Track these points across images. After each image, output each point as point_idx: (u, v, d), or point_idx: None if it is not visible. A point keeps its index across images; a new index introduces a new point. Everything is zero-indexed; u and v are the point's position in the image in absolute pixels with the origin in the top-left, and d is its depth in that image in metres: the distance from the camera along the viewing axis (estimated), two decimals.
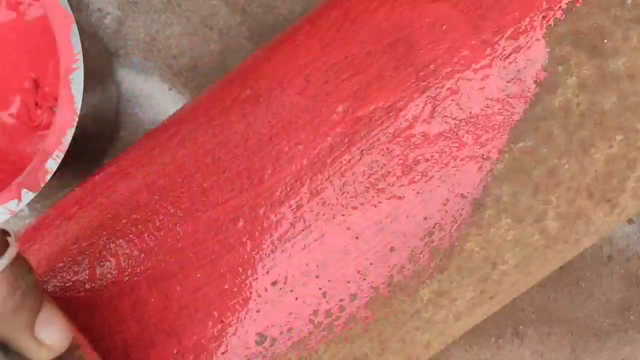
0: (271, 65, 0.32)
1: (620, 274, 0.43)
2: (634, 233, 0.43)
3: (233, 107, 0.32)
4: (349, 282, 0.30)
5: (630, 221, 0.43)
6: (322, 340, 0.30)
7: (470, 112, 0.29)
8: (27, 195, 0.35)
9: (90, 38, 0.41)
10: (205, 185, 0.31)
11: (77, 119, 0.36)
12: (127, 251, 0.31)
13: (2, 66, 0.41)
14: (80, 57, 0.36)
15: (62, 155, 0.35)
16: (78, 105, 0.36)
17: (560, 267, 0.43)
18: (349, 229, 0.30)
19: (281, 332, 0.30)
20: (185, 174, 0.32)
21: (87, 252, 0.32)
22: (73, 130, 0.35)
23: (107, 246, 0.32)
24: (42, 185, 0.35)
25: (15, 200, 0.35)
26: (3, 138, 0.41)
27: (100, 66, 0.42)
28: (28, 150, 0.41)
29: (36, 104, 0.41)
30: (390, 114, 0.30)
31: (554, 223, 0.30)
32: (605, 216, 0.31)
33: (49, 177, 0.35)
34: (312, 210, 0.30)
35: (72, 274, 0.32)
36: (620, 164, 0.30)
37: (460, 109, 0.29)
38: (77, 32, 0.36)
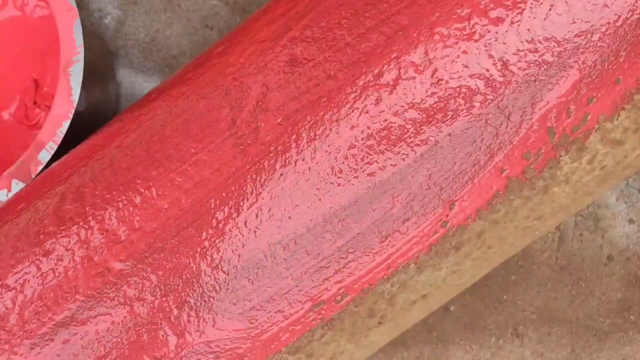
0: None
1: (620, 274, 0.43)
2: (634, 233, 0.43)
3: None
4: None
5: (630, 221, 0.43)
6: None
7: None
8: (18, 186, 0.35)
9: (91, 37, 0.41)
10: None
11: (73, 111, 0.36)
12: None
13: (5, 65, 0.41)
14: (81, 50, 0.36)
15: (55, 147, 0.35)
16: (75, 97, 0.36)
17: (560, 267, 0.43)
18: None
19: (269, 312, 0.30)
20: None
21: None
22: (68, 122, 0.35)
23: None
24: (34, 176, 0.35)
25: (5, 190, 0.35)
26: (0, 136, 0.41)
27: (100, 65, 0.42)
28: (24, 149, 0.41)
29: (35, 103, 0.41)
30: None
31: None
32: (572, 162, 0.30)
33: (40, 168, 0.35)
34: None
35: None
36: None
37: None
38: (80, 26, 0.36)
